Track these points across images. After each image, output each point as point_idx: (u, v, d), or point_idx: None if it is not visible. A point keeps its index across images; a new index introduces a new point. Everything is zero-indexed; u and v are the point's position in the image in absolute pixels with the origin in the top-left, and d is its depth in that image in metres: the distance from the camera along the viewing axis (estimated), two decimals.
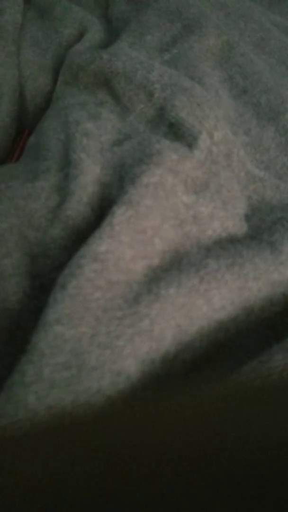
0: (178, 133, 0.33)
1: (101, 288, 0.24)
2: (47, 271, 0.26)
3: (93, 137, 0.32)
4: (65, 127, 0.33)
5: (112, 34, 0.48)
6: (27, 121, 0.43)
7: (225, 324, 0.25)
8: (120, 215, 0.26)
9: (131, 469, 0.18)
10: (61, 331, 0.22)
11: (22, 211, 0.27)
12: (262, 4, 0.55)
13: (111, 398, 0.21)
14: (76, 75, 0.40)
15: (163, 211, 0.27)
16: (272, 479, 0.17)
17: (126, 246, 0.25)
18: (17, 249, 0.26)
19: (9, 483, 0.18)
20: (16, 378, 0.21)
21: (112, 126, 0.34)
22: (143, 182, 0.27)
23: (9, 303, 0.25)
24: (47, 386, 0.21)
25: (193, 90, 0.36)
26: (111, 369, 0.22)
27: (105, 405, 0.21)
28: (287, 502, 0.16)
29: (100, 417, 0.21)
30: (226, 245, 0.28)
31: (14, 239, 0.26)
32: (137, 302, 0.24)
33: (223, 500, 0.16)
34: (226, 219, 0.29)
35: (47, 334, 0.22)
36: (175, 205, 0.28)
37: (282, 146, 0.37)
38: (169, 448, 0.18)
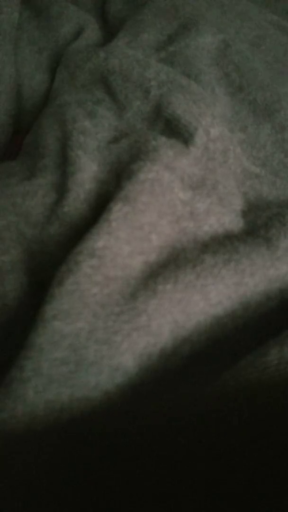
0: (175, 130, 0.33)
1: (98, 284, 0.24)
2: (45, 267, 0.26)
3: (90, 135, 0.32)
4: (62, 125, 0.33)
5: (109, 32, 0.48)
6: (24, 119, 0.43)
7: (222, 319, 0.25)
8: (117, 211, 0.26)
9: (127, 467, 0.18)
10: (59, 326, 0.22)
11: (19, 208, 0.28)
12: (258, 3, 0.55)
13: (109, 393, 0.22)
14: (73, 74, 0.40)
15: (160, 207, 0.27)
16: (270, 471, 0.17)
17: (123, 242, 0.25)
18: (15, 246, 0.26)
19: (6, 477, 0.18)
20: (14, 374, 0.21)
21: (109, 123, 0.34)
22: (139, 178, 0.27)
23: (7, 299, 0.25)
24: (45, 381, 0.21)
25: (189, 87, 0.36)
26: (109, 364, 0.22)
27: (104, 401, 0.21)
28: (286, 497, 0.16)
29: (99, 415, 0.21)
30: (223, 241, 0.28)
31: (11, 236, 0.27)
32: (135, 298, 0.24)
33: (223, 499, 0.16)
34: (222, 215, 0.29)
35: (45, 329, 0.22)
36: (172, 201, 0.28)
37: (278, 143, 0.37)
38: (167, 446, 0.18)
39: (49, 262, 0.26)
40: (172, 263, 0.26)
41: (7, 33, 0.44)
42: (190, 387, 0.22)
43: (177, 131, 0.33)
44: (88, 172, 0.29)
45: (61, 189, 0.29)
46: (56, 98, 0.39)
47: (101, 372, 0.22)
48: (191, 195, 0.29)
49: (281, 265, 0.27)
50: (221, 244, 0.27)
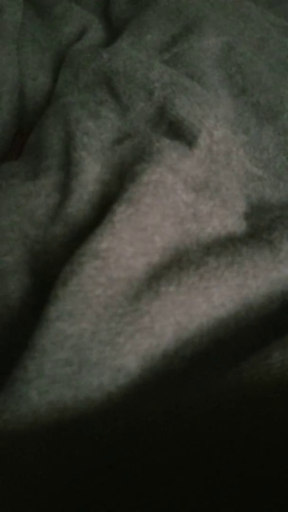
0: (178, 132, 0.33)
1: (102, 285, 0.24)
2: (48, 268, 0.26)
3: (93, 136, 0.32)
4: (65, 125, 0.33)
5: (112, 33, 0.48)
6: (27, 119, 0.43)
7: (225, 321, 0.26)
8: (120, 213, 0.26)
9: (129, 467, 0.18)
10: (62, 327, 0.22)
11: (23, 209, 0.28)
12: (261, 5, 0.55)
13: (111, 394, 0.22)
14: (76, 74, 0.40)
15: (163, 209, 0.27)
16: (271, 471, 0.17)
17: (127, 243, 0.25)
18: (19, 246, 0.26)
19: (7, 477, 0.18)
20: (18, 374, 0.21)
21: (112, 124, 0.34)
22: (143, 180, 0.27)
23: (10, 300, 0.25)
24: (48, 382, 0.21)
25: (193, 89, 0.36)
26: (111, 365, 0.22)
27: (106, 401, 0.21)
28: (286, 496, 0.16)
29: (101, 415, 0.21)
30: (226, 243, 0.28)
31: (15, 237, 0.27)
32: (138, 299, 0.24)
33: (223, 499, 0.16)
34: (225, 217, 0.29)
35: (48, 330, 0.22)
36: (175, 203, 0.28)
37: (281, 145, 0.37)
38: (168, 447, 0.18)
39: (52, 263, 0.26)
40: (175, 265, 0.26)
41: (10, 33, 0.44)
42: (193, 388, 0.22)
43: (181, 133, 0.33)
44: (91, 173, 0.29)
45: (65, 190, 0.29)
46: (59, 99, 0.39)
47: (104, 373, 0.22)
48: (194, 197, 0.29)
49: (284, 268, 0.27)
50: (224, 246, 0.28)
